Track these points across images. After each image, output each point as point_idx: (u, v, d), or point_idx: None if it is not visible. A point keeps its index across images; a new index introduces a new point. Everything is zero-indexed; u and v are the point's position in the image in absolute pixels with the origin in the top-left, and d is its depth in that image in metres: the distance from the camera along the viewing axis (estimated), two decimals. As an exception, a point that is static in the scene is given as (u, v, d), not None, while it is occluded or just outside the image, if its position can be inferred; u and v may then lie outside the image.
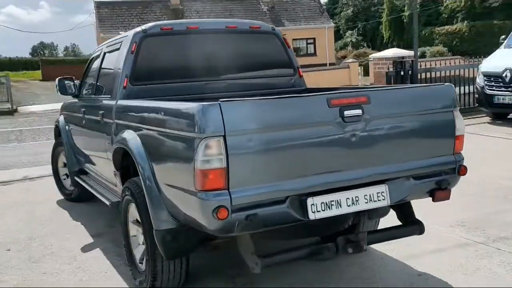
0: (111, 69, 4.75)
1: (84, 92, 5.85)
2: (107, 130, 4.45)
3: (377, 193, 3.25)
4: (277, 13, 39.03)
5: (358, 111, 3.11)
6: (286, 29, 36.79)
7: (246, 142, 2.86)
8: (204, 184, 2.82)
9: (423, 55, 32.91)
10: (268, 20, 38.31)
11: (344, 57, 36.09)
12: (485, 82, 11.02)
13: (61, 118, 6.54)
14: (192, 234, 3.47)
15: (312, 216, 3.06)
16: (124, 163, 4.15)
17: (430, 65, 12.95)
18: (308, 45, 39.24)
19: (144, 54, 4.39)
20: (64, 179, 6.92)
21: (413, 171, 3.36)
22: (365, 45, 43.40)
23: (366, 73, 26.55)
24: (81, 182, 5.95)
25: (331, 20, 41.24)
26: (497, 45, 12.20)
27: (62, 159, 6.83)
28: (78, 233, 5.46)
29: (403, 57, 11.91)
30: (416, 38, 11.56)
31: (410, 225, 3.62)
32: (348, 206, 3.16)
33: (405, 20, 40.56)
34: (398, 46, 40.37)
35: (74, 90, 5.89)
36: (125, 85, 4.33)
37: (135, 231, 4.07)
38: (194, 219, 3.05)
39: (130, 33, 4.50)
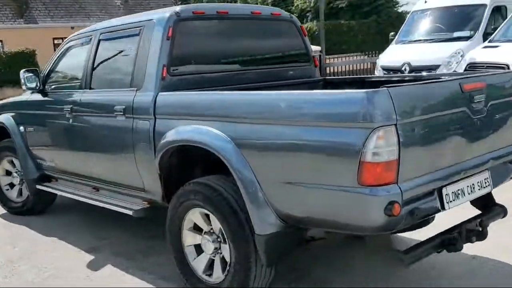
0: (128, 58, 4.13)
1: (58, 86, 5.06)
2: (138, 127, 3.86)
3: (484, 179, 3.26)
4: (131, 7, 37.57)
5: (482, 96, 3.09)
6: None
7: (412, 131, 2.68)
8: (374, 178, 2.58)
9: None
10: (123, 14, 36.90)
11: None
12: (385, 75, 11.76)
13: (7, 118, 5.56)
14: (294, 235, 3.20)
15: (447, 207, 2.96)
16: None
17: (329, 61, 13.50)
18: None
19: (180, 41, 3.89)
20: (8, 189, 5.91)
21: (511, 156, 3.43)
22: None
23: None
24: (54, 191, 5.15)
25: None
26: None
27: (4, 166, 5.83)
28: (66, 250, 4.70)
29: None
30: (322, 32, 11.91)
31: (493, 209, 3.68)
32: (468, 194, 3.13)
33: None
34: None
35: (38, 84, 5.05)
36: (164, 75, 3.79)
37: (192, 239, 3.61)
38: (341, 218, 2.78)
39: (160, 16, 3.95)
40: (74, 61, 4.92)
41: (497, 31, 10.27)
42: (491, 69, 8.83)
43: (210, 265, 3.55)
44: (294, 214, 3.02)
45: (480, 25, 11.35)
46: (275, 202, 3.05)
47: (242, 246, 3.20)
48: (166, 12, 3.95)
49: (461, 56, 11.04)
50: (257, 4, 37.99)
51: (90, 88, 4.49)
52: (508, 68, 8.76)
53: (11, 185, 5.89)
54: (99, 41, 4.49)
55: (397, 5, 34.81)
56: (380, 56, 12.56)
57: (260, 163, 3.07)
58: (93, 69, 4.48)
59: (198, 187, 3.43)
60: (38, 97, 5.18)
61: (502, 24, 10.35)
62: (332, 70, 12.34)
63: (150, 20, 4.01)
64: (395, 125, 2.58)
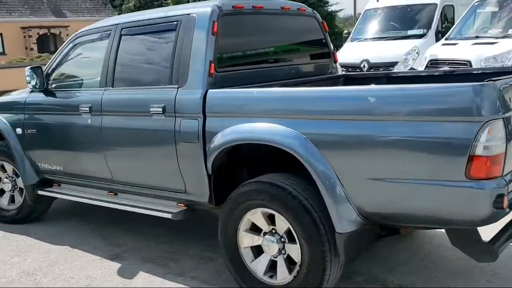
0: (163, 54, 3.94)
1: (67, 85, 4.76)
2: (182, 126, 3.69)
3: None
4: (56, 2, 36.03)
5: None
6: (69, 20, 34.36)
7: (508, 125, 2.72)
8: (484, 172, 2.61)
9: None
10: (48, 11, 35.28)
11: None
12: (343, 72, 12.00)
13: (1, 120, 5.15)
14: (371, 232, 3.20)
15: None
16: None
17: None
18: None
19: (223, 36, 3.76)
20: (-4, 196, 5.49)
21: None
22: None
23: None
24: (60, 196, 4.84)
25: (116, 12, 39.67)
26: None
27: (-7, 171, 5.41)
28: (86, 258, 4.41)
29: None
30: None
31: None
32: None
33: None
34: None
35: (43, 83, 4.71)
36: (211, 72, 3.65)
37: (250, 241, 3.51)
38: (443, 213, 2.79)
39: (201, 10, 3.79)
40: (87, 58, 4.64)
41: (451, 29, 10.75)
42: (453, 66, 9.26)
43: (270, 266, 3.46)
44: (382, 211, 3.00)
45: (432, 24, 11.84)
46: (358, 199, 3.02)
47: (317, 245, 3.14)
48: (206, 7, 3.80)
49: (417, 53, 11.48)
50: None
51: (113, 86, 4.23)
52: (470, 65, 9.21)
53: (1, 192, 5.47)
54: (121, 36, 4.25)
55: (326, 5, 35.56)
56: (337, 53, 12.76)
57: (341, 160, 3.03)
58: (116, 65, 4.23)
59: (263, 187, 3.33)
60: (40, 96, 4.83)
61: (457, 22, 10.84)
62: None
63: (188, 14, 3.84)
64: (503, 118, 2.62)
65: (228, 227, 3.54)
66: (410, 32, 12.09)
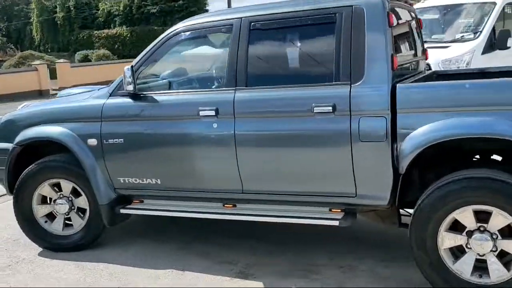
0: (320, 49, 3.66)
1: (170, 86, 4.21)
2: (363, 125, 3.43)
3: None
4: None
5: None
6: None
7: None
8: None
9: (86, 59, 32.36)
10: None
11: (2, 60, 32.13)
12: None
13: (63, 132, 4.38)
14: None
15: None
16: None
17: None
18: None
19: (392, 28, 3.58)
20: (46, 221, 4.64)
21: None
22: (13, 47, 39.51)
23: (52, 75, 24.86)
24: (156, 213, 4.25)
25: None
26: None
27: (42, 191, 4.57)
28: (212, 281, 3.90)
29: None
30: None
31: None
32: None
33: (58, 22, 38.69)
34: (52, 49, 38.35)
35: (135, 86, 4.09)
36: (395, 66, 3.46)
37: (451, 241, 3.37)
38: None
39: (367, 1, 3.56)
40: (196, 56, 4.12)
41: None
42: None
43: (477, 266, 3.35)
44: None
45: (486, 25, 12.04)
46: None
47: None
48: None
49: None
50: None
51: (247, 86, 3.81)
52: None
53: (50, 216, 4.65)
54: (250, 30, 3.84)
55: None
56: None
57: None
58: (249, 63, 3.80)
59: (481, 183, 3.21)
60: (126, 101, 4.18)
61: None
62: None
63: (350, 6, 3.59)
64: None
65: (427, 229, 3.35)
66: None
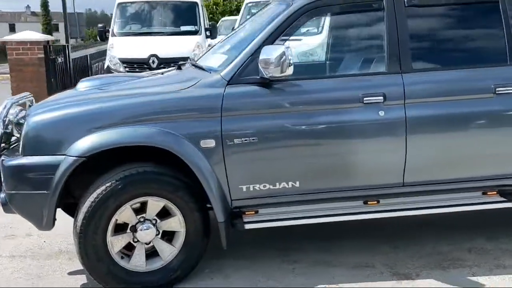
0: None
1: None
2: None
3: None
4: None
5: None
6: None
7: None
8: None
9: None
10: None
11: None
12: (126, 69, 11.14)
13: (161, 130, 3.31)
14: None
15: None
16: None
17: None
18: None
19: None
20: (122, 257, 3.43)
21: None
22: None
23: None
24: (291, 221, 3.53)
25: None
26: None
27: (124, 216, 3.37)
28: None
29: (48, 41, 10.11)
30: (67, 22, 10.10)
31: None
32: None
33: None
34: None
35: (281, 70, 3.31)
36: None
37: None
38: None
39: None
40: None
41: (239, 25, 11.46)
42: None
43: None
44: None
45: (201, 21, 12.23)
46: None
47: None
48: None
49: (200, 48, 11.69)
50: None
51: (412, 69, 3.50)
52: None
53: (128, 248, 3.45)
54: (407, 7, 3.53)
55: None
56: (110, 50, 11.54)
57: None
58: (412, 44, 3.52)
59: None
60: (256, 89, 3.40)
61: (241, 20, 11.59)
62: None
63: None
64: None
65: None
66: (183, 28, 12.15)
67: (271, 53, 3.25)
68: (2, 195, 3.46)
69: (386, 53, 3.52)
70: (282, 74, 3.28)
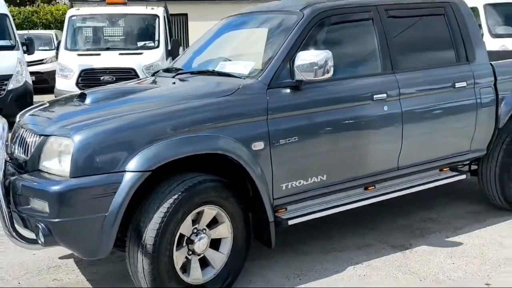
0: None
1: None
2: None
3: None
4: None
5: None
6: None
7: None
8: None
9: None
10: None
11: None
12: None
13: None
14: None
15: None
16: None
17: None
18: None
19: None
20: (184, 272, 3.28)
21: None
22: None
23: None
24: (315, 215, 3.83)
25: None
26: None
27: (185, 228, 3.25)
28: None
29: None
30: None
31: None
32: None
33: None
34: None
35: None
36: None
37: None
38: None
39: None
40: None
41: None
42: (117, 74, 9.95)
43: None
44: None
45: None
46: None
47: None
48: None
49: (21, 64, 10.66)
50: None
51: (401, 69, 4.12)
52: (135, 72, 10.01)
53: (186, 263, 3.31)
54: (386, 18, 4.13)
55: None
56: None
57: None
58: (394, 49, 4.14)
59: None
60: (291, 92, 3.61)
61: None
62: None
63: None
64: None
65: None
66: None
67: (312, 58, 3.49)
68: (41, 225, 3.01)
69: (379, 56, 4.07)
70: (317, 78, 3.54)
